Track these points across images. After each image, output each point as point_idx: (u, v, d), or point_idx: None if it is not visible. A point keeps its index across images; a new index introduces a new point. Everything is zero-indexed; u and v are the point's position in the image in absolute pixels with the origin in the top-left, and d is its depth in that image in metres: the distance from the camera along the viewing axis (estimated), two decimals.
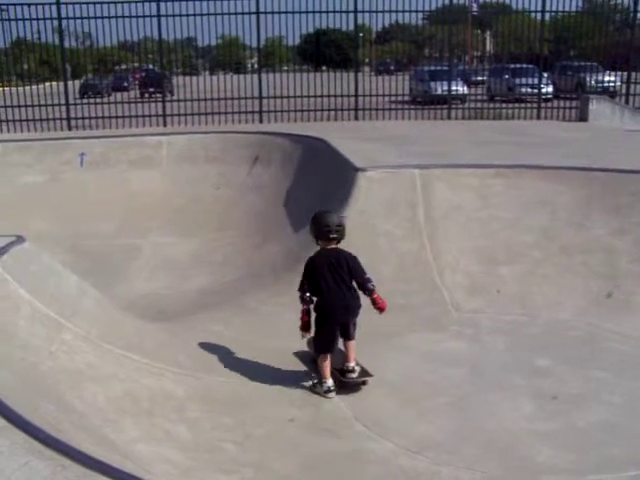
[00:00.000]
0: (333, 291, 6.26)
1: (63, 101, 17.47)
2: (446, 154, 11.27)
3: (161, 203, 13.05)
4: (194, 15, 16.88)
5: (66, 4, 16.70)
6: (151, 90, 22.86)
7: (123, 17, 16.70)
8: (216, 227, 12.05)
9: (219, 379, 6.46)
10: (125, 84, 29.79)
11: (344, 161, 10.57)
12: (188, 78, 19.83)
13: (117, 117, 17.32)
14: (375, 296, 6.37)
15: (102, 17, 16.81)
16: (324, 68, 24.00)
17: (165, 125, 17.26)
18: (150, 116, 17.30)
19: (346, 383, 6.43)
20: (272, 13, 16.92)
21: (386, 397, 6.29)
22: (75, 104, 17.62)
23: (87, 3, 16.62)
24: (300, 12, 17.14)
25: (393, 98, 18.59)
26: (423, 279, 8.59)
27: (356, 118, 17.77)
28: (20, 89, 18.39)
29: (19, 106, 17.20)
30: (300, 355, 7.13)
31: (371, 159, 10.64)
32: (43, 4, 16.57)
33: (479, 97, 20.88)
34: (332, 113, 17.78)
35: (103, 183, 13.47)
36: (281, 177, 12.68)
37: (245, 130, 15.03)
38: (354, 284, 6.35)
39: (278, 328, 7.84)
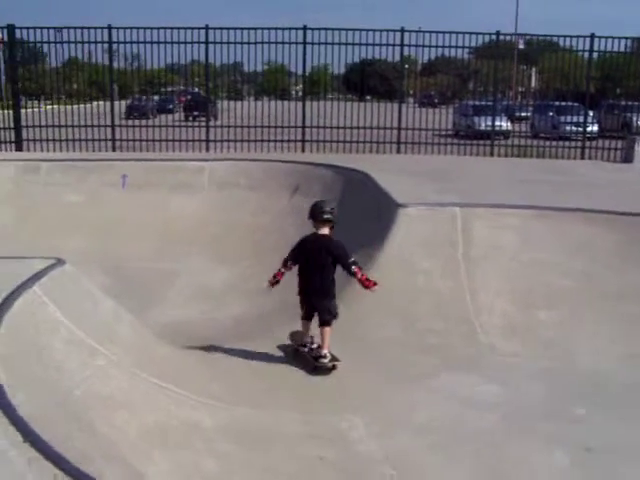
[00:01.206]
0: (305, 275, 7.41)
1: (109, 122, 17.72)
2: (487, 192, 11.21)
3: (199, 228, 13.11)
4: (241, 43, 17.03)
5: (117, 28, 17.00)
6: (195, 114, 23.11)
7: (172, 43, 16.94)
8: (252, 255, 12.05)
9: (250, 411, 6.42)
10: (170, 106, 30.12)
11: (384, 196, 10.55)
12: (233, 103, 19.97)
13: (161, 141, 17.51)
14: (359, 276, 7.21)
15: (151, 42, 17.11)
16: (368, 98, 24.05)
17: (207, 150, 17.43)
18: (193, 141, 17.48)
19: (319, 367, 7.27)
20: (319, 44, 17.00)
21: (416, 440, 6.17)
22: (120, 126, 17.81)
23: (137, 28, 16.89)
24: (347, 44, 17.18)
25: (436, 132, 18.54)
26: (459, 319, 8.50)
27: (398, 151, 17.75)
28: (69, 107, 18.76)
29: (66, 126, 17.49)
30: (282, 348, 7.94)
31: (412, 195, 10.61)
32: (95, 28, 16.99)
33: (523, 134, 20.72)
34: (374, 145, 17.76)
35: (143, 206, 13.58)
36: None
37: (287, 159, 15.04)
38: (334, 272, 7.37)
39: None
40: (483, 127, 20.24)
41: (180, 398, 6.17)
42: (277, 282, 7.47)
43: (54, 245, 12.39)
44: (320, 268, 7.32)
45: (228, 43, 17.05)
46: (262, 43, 17.03)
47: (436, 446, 6.06)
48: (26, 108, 19.04)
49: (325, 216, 7.41)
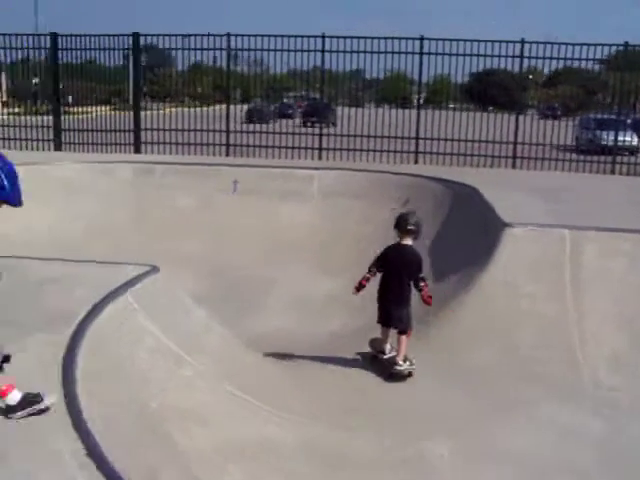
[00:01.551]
0: (384, 282, 7.82)
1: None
2: (601, 214, 10.69)
3: (306, 237, 13.10)
4: (357, 52, 16.97)
5: (236, 36, 17.30)
6: (313, 119, 23.15)
7: (288, 51, 17.09)
8: (357, 266, 11.91)
9: (328, 431, 6.30)
10: (290, 112, 30.35)
11: (492, 213, 10.22)
12: (352, 109, 19.91)
13: (274, 147, 17.66)
14: (424, 292, 7.58)
15: (268, 50, 17.34)
16: (490, 108, 23.55)
17: (320, 158, 17.43)
18: (306, 148, 17.53)
19: (394, 374, 7.61)
20: (436, 54, 16.73)
21: (507, 471, 5.92)
22: (235, 131, 18.07)
23: (256, 36, 17.14)
24: (464, 55, 16.82)
25: (556, 147, 17.84)
26: (563, 347, 8.11)
27: (514, 166, 17.22)
28: (192, 110, 19.25)
29: (182, 130, 17.90)
30: (362, 355, 8.19)
31: (520, 213, 10.25)
32: (215, 35, 17.44)
33: None
34: (489, 159, 17.33)
35: (252, 212, 13.69)
36: (430, 221, 12.39)
37: (398, 171, 14.84)
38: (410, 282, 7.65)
39: (407, 384, 7.65)
40: (607, 142, 19.20)
41: (261, 412, 6.14)
42: (362, 287, 7.83)
43: (165, 248, 12.68)
44: (399, 276, 7.68)
45: (344, 52, 17.02)
46: (379, 52, 16.93)
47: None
48: (151, 110, 19.64)
49: (409, 227, 7.68)
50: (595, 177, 16.65)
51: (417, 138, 17.42)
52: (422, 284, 7.56)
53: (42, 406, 4.19)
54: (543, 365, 7.91)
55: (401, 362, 7.62)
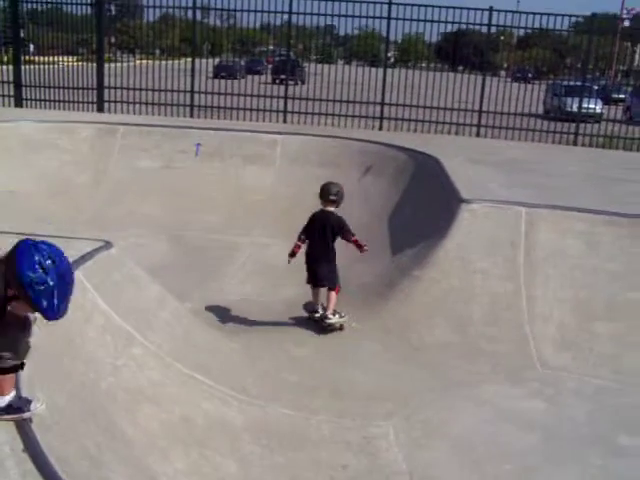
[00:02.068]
0: (311, 245, 8.60)
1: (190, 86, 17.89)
2: (560, 190, 10.77)
3: (268, 203, 13.10)
4: (324, 15, 16.89)
5: None
6: (282, 77, 22.93)
7: (255, 11, 16.96)
8: None
9: (281, 410, 6.39)
10: (259, 68, 30.02)
11: (451, 187, 10.26)
12: (322, 66, 19.75)
13: (239, 109, 17.51)
14: (354, 239, 8.43)
15: (235, 10, 17.27)
16: (460, 68, 23.51)
17: (285, 121, 17.35)
18: (271, 111, 17.39)
19: (326, 327, 8.36)
20: (403, 20, 16.62)
21: (448, 454, 6.04)
22: (199, 92, 17.87)
23: None
24: (432, 21, 16.78)
25: (522, 109, 17.61)
26: (512, 326, 8.24)
27: (478, 135, 17.27)
28: (160, 63, 19.17)
29: (147, 89, 17.70)
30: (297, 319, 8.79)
31: (479, 187, 10.32)
32: None
33: (617, 119, 19.44)
34: (454, 127, 17.39)
35: (214, 175, 13.64)
36: (391, 191, 12.44)
37: (362, 137, 14.79)
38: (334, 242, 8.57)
39: (355, 359, 7.76)
40: (572, 109, 19.14)
41: (213, 392, 6.18)
42: (294, 254, 8.57)
43: (124, 209, 12.69)
44: (324, 238, 8.52)
45: (312, 14, 16.99)
46: (345, 16, 16.87)
47: (470, 463, 5.93)
48: (120, 62, 19.31)
49: (331, 197, 8.57)
50: (557, 148, 16.71)
51: (382, 104, 17.37)
52: (351, 236, 8.42)
53: (28, 415, 3.93)
54: (492, 343, 8.06)
55: (331, 315, 8.36)
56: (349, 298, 9.40)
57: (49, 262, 3.41)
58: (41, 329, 4.85)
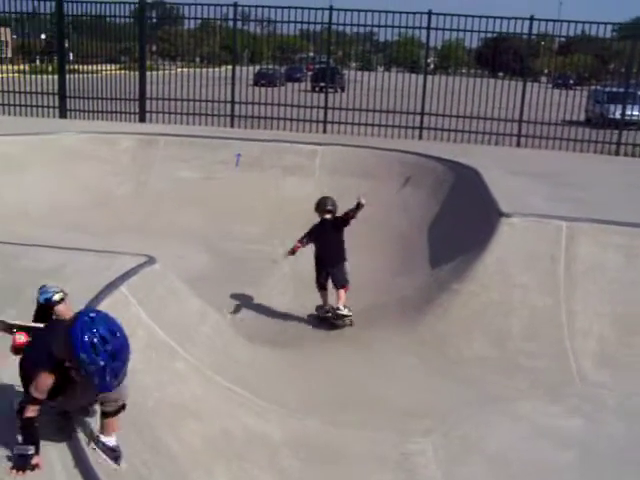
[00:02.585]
0: (320, 251, 9.51)
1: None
2: (601, 202, 10.71)
3: (308, 213, 13.12)
4: (364, 25, 16.96)
5: (243, 7, 17.32)
6: (322, 85, 22.97)
7: (295, 22, 17.12)
8: (357, 245, 11.97)
9: (320, 424, 6.45)
10: (299, 75, 30.07)
11: (491, 200, 10.25)
12: (361, 74, 19.78)
13: (279, 119, 17.67)
14: (353, 213, 9.20)
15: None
16: (500, 74, 23.38)
17: (325, 132, 17.44)
18: (311, 121, 17.49)
19: (338, 316, 9.06)
20: (443, 30, 16.65)
21: (485, 470, 6.06)
22: (240, 102, 18.04)
23: (264, 7, 17.21)
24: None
25: (563, 116, 17.56)
26: (552, 341, 8.23)
27: (518, 144, 17.18)
28: (200, 70, 19.33)
29: (188, 100, 17.91)
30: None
31: (519, 200, 10.31)
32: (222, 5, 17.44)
33: None
34: (494, 137, 17.32)
35: (254, 186, 13.75)
36: (430, 203, 12.46)
37: (401, 148, 14.80)
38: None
39: (393, 373, 7.79)
40: (616, 116, 18.70)
41: (252, 406, 6.26)
42: (294, 253, 9.57)
43: (165, 220, 12.85)
44: (329, 243, 9.43)
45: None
46: (385, 27, 16.90)
47: (503, 479, 5.94)
48: (161, 70, 19.56)
49: (328, 207, 9.57)
50: (599, 158, 16.50)
51: (422, 113, 17.37)
52: (352, 212, 9.20)
53: (120, 465, 4.15)
54: (531, 358, 8.04)
55: (342, 307, 9.05)
56: (387, 311, 9.48)
57: (102, 340, 3.62)
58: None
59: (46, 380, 3.71)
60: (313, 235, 9.55)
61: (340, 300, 9.12)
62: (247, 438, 5.86)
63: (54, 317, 4.25)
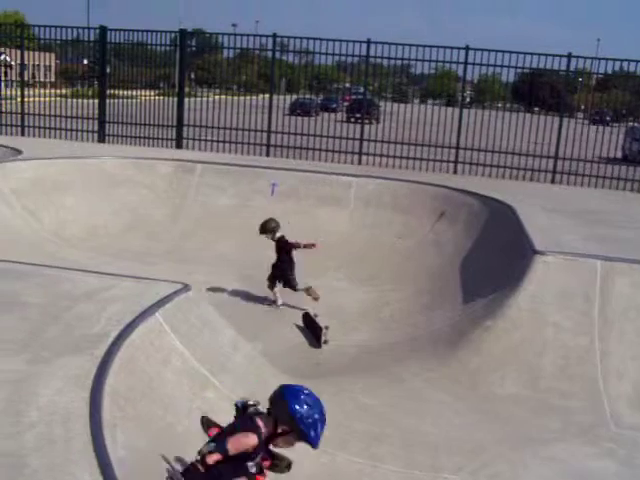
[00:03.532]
0: (277, 264, 11.13)
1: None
2: (636, 242, 10.62)
3: (341, 245, 13.20)
4: (402, 59, 17.06)
5: (282, 37, 17.43)
6: (357, 116, 23.11)
7: (333, 55, 17.31)
8: (390, 279, 12.03)
9: (349, 458, 6.43)
10: (334, 105, 30.29)
11: (525, 237, 10.21)
12: (396, 105, 19.87)
13: (314, 149, 17.77)
14: (302, 245, 10.97)
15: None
16: (536, 109, 23.33)
17: (360, 163, 17.51)
18: (346, 152, 17.59)
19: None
20: (480, 65, 16.73)
21: None
22: (276, 132, 18.20)
23: (302, 38, 17.35)
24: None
25: (600, 153, 17.48)
26: (585, 381, 8.14)
27: (553, 181, 17.12)
28: (238, 98, 19.50)
29: (225, 128, 18.10)
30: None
31: (553, 238, 10.25)
32: (261, 35, 17.68)
33: None
34: (528, 173, 17.27)
35: (289, 215, 13.78)
36: (463, 238, 12.45)
37: (435, 182, 14.81)
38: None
39: (424, 408, 7.75)
40: None
41: None
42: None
43: (199, 246, 12.97)
44: (276, 260, 11.12)
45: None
46: (422, 60, 17.01)
47: None
48: (198, 97, 19.78)
49: (260, 230, 11.10)
50: (636, 197, 16.38)
51: (457, 148, 17.40)
52: (295, 244, 10.92)
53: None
54: (564, 398, 7.96)
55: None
56: (419, 345, 9.45)
57: (311, 400, 4.23)
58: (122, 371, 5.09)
59: (247, 441, 4.20)
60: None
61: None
62: None
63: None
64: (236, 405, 4.67)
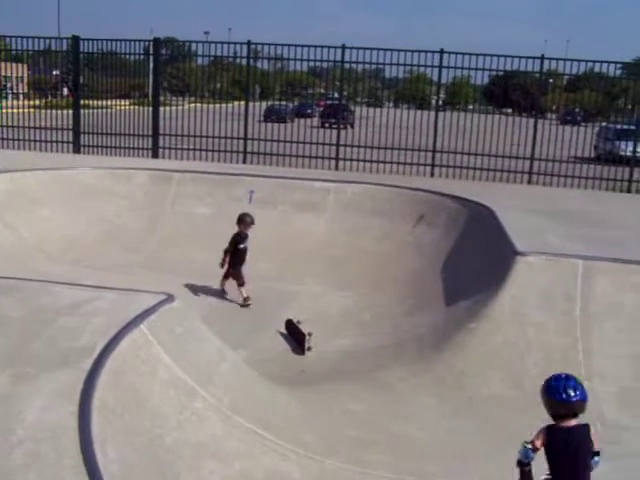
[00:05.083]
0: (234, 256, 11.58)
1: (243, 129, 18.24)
2: (616, 240, 10.69)
3: (321, 250, 13.18)
4: (377, 64, 17.15)
5: (256, 44, 17.39)
6: (331, 121, 23.15)
7: (308, 60, 17.30)
8: (371, 283, 12.02)
9: (339, 465, 6.40)
10: (309, 111, 30.27)
11: (506, 238, 10.25)
12: (371, 110, 19.93)
13: (291, 156, 17.76)
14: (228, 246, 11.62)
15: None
16: (509, 111, 23.48)
17: (337, 168, 17.52)
18: (323, 158, 17.58)
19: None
20: (455, 68, 16.80)
21: None
22: (252, 139, 18.16)
23: (277, 45, 17.31)
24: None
25: (573, 153, 17.69)
26: None
27: (529, 182, 17.23)
28: (211, 106, 19.46)
29: (201, 136, 18.04)
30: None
31: (534, 239, 10.30)
32: (235, 43, 17.50)
33: None
34: (505, 174, 17.40)
35: (267, 222, 13.72)
36: (444, 241, 12.48)
37: (413, 186, 14.85)
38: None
39: (411, 412, 7.75)
40: (627, 153, 18.66)
41: (273, 446, 6.21)
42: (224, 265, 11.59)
43: (178, 256, 12.88)
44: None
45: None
46: (397, 65, 17.08)
47: None
48: (171, 106, 19.73)
49: (247, 218, 11.72)
50: (611, 196, 16.55)
51: (434, 151, 17.46)
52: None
53: None
54: None
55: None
56: (403, 349, 9.44)
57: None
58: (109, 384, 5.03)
59: None
60: (232, 246, 11.75)
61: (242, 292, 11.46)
62: (267, 478, 5.83)
63: None
64: None
